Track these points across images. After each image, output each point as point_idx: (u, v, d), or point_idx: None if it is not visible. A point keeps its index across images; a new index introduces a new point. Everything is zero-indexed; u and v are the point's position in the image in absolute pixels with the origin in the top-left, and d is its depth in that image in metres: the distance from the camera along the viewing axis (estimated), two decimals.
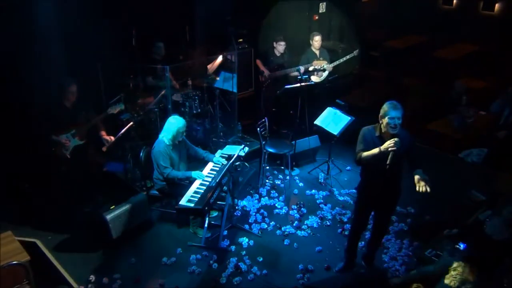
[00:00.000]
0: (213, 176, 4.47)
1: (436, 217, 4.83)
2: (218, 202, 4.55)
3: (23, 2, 4.84)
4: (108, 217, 4.33)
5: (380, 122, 3.54)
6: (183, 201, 4.14)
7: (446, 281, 3.06)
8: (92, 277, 4.03)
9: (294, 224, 4.84)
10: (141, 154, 4.70)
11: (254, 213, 5.01)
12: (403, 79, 8.16)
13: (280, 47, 6.30)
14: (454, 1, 8.60)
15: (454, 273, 3.06)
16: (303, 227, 4.81)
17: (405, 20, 9.07)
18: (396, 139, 3.32)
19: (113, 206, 4.43)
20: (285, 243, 4.58)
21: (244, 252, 4.42)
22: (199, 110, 6.03)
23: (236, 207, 5.04)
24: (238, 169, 4.44)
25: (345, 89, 7.49)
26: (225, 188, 4.55)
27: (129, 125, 5.00)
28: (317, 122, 5.51)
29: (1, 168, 4.90)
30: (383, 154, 3.38)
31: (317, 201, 5.26)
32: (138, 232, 4.61)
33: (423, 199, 5.06)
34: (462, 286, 3.01)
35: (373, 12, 9.01)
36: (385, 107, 3.48)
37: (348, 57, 6.32)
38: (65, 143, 4.68)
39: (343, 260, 4.23)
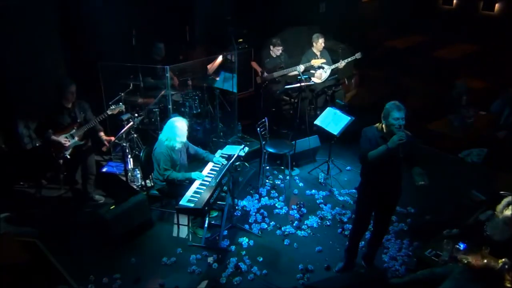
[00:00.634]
0: (213, 176, 4.46)
1: (436, 217, 4.83)
2: (218, 202, 4.55)
3: (23, 1, 4.85)
4: (108, 217, 4.33)
5: (383, 122, 3.55)
6: (183, 201, 4.14)
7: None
8: (92, 277, 4.03)
9: (294, 224, 4.84)
10: (141, 154, 4.70)
11: (254, 213, 5.01)
12: (403, 79, 8.16)
13: (277, 51, 6.30)
14: (454, 1, 8.59)
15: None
16: (303, 227, 4.81)
17: (405, 20, 9.07)
18: (401, 133, 3.37)
19: (113, 206, 4.43)
20: (285, 243, 4.58)
21: (244, 252, 4.42)
22: (199, 110, 6.03)
23: (236, 207, 5.04)
24: (238, 169, 4.44)
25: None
26: (225, 188, 4.55)
27: (129, 125, 5.00)
28: (317, 122, 5.51)
29: (1, 168, 4.90)
30: (390, 152, 3.42)
31: (317, 201, 5.26)
32: (138, 232, 4.61)
33: (423, 199, 5.12)
34: None
35: (373, 12, 9.01)
36: (389, 108, 3.49)
37: (350, 59, 6.33)
38: (65, 143, 4.68)
39: (343, 260, 4.23)
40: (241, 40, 6.81)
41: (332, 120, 5.40)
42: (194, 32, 6.79)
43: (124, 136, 5.06)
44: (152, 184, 4.77)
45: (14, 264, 3.56)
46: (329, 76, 6.60)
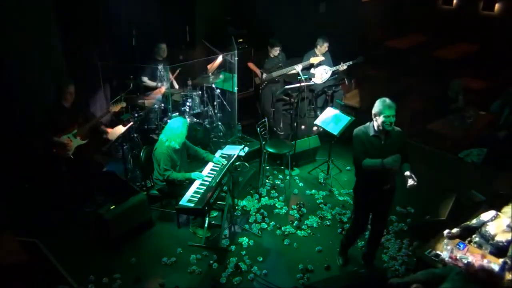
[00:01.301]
0: (213, 176, 4.47)
1: (436, 217, 4.82)
2: (218, 202, 4.55)
3: (23, 1, 4.84)
4: (108, 217, 4.33)
5: (374, 119, 3.59)
6: (183, 201, 4.14)
7: None
8: (92, 277, 4.03)
9: (294, 224, 4.84)
10: (141, 154, 4.70)
11: (254, 213, 5.01)
12: (403, 79, 8.16)
13: (275, 51, 6.29)
14: (454, 1, 8.60)
15: None
16: (303, 227, 4.81)
17: (405, 20, 9.07)
18: (411, 182, 3.56)
19: (113, 206, 4.43)
20: (285, 243, 4.58)
21: (244, 252, 4.42)
22: (199, 110, 6.03)
23: (236, 207, 5.04)
24: (238, 169, 4.44)
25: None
26: (225, 188, 4.55)
27: (129, 125, 5.00)
28: (317, 122, 5.51)
29: (1, 168, 4.90)
30: (384, 167, 3.50)
31: (317, 201, 5.26)
32: (138, 232, 4.61)
33: (423, 199, 5.12)
34: None
35: (373, 12, 9.01)
36: (380, 105, 3.53)
37: (351, 62, 6.33)
38: (68, 143, 4.68)
39: (341, 254, 4.29)
40: (241, 40, 6.81)
41: (332, 120, 5.41)
42: (194, 32, 6.79)
43: (124, 136, 5.06)
44: (152, 184, 4.77)
45: (14, 264, 3.56)
46: (329, 77, 6.60)
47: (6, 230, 4.09)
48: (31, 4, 4.89)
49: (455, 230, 3.87)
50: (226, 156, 4.76)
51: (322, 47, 6.42)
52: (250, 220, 4.89)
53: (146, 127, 5.75)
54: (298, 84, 5.68)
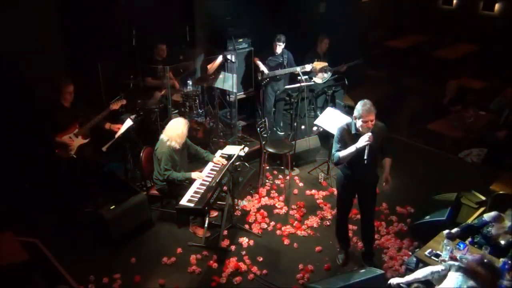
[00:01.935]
0: (213, 176, 4.46)
1: (436, 217, 4.82)
2: (218, 202, 4.55)
3: (22, 1, 4.84)
4: (108, 217, 4.33)
5: (354, 121, 3.70)
6: (183, 201, 4.14)
7: None
8: (92, 277, 4.03)
9: (294, 224, 4.84)
10: (141, 154, 4.70)
11: (254, 213, 5.01)
12: (403, 79, 8.16)
13: (278, 47, 6.30)
14: (454, 1, 8.59)
15: None
16: (303, 227, 4.81)
17: (405, 20, 9.07)
18: (369, 134, 3.56)
19: (113, 206, 4.43)
20: (285, 243, 4.58)
21: (244, 252, 4.42)
22: (199, 110, 6.03)
23: (236, 207, 5.04)
24: (238, 169, 4.44)
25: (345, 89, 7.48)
26: (225, 188, 4.55)
27: (129, 125, 5.00)
28: (317, 122, 5.51)
29: (2, 169, 4.90)
30: (359, 151, 3.61)
31: (317, 201, 5.26)
32: (138, 232, 4.61)
33: (423, 199, 5.12)
34: None
35: (373, 12, 9.01)
36: (359, 109, 3.64)
37: (351, 63, 6.33)
38: (70, 143, 4.69)
39: (340, 251, 4.32)
40: (241, 40, 6.81)
41: (332, 120, 5.40)
42: (194, 32, 6.78)
43: (124, 136, 5.05)
44: (152, 184, 4.77)
45: (14, 264, 3.56)
46: (330, 77, 6.60)
47: (6, 230, 4.10)
48: (32, 4, 4.90)
49: (455, 230, 3.87)
50: (226, 156, 4.76)
51: (323, 44, 6.43)
52: (250, 220, 4.89)
53: (146, 127, 5.75)
54: (298, 84, 5.68)
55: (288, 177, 5.63)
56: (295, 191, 5.47)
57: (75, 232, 4.56)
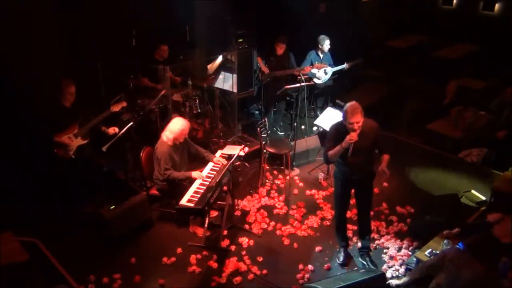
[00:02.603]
0: (213, 176, 4.46)
1: (436, 217, 4.82)
2: (218, 202, 4.55)
3: (22, 1, 4.84)
4: (108, 217, 4.33)
5: (344, 121, 3.78)
6: (183, 201, 4.14)
7: None
8: (92, 277, 4.03)
9: (294, 224, 4.84)
10: (141, 154, 4.70)
11: (254, 213, 5.01)
12: (403, 79, 8.16)
13: (280, 49, 6.30)
14: (454, 1, 8.60)
15: None
16: (303, 227, 4.81)
17: (405, 20, 9.08)
18: (352, 134, 3.65)
19: (113, 206, 4.43)
20: (285, 243, 4.58)
21: (244, 252, 4.42)
22: (199, 110, 6.03)
23: (236, 207, 5.04)
24: (238, 169, 4.44)
25: (345, 89, 7.48)
26: (225, 188, 4.55)
27: (129, 125, 5.00)
28: (317, 122, 5.52)
29: (2, 169, 4.90)
30: (346, 148, 3.73)
31: (317, 201, 5.26)
32: (138, 232, 4.61)
33: (423, 199, 5.12)
34: None
35: (373, 12, 9.01)
36: (345, 111, 3.71)
37: (352, 63, 6.34)
38: (69, 143, 4.69)
39: (340, 250, 4.32)
40: (241, 40, 6.81)
41: (332, 120, 5.40)
42: (194, 32, 6.78)
43: (124, 136, 5.05)
44: (152, 184, 4.77)
45: (14, 264, 3.56)
46: (329, 77, 6.60)
47: (6, 230, 4.10)
48: (33, 4, 4.90)
49: (455, 230, 3.87)
50: (226, 156, 4.76)
51: (324, 45, 6.44)
52: (250, 220, 4.89)
53: (146, 127, 5.76)
54: (298, 84, 5.68)
55: (288, 177, 5.63)
56: (295, 191, 5.47)
57: (75, 232, 4.56)
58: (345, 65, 6.37)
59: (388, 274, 4.09)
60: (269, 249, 4.48)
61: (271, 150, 5.32)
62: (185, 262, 4.27)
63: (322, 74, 6.50)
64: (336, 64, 6.52)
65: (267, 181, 5.64)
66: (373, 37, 8.93)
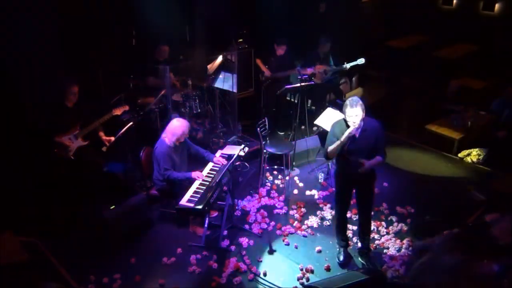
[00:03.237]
0: (213, 176, 4.46)
1: (436, 217, 4.83)
2: (218, 202, 4.55)
3: (23, 1, 4.84)
4: (108, 217, 4.33)
5: (344, 116, 3.81)
6: (183, 201, 4.14)
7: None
8: (92, 277, 4.03)
9: (294, 224, 4.84)
10: (141, 154, 4.70)
11: (254, 213, 5.01)
12: (403, 79, 8.17)
13: (281, 50, 6.30)
14: (454, 1, 8.61)
15: None
16: (303, 227, 4.81)
17: (405, 20, 9.08)
18: (352, 128, 3.68)
19: (113, 206, 4.43)
20: (285, 243, 4.58)
21: (244, 252, 4.42)
22: (199, 110, 6.03)
23: (236, 207, 5.04)
24: (238, 169, 4.44)
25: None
26: (225, 188, 4.55)
27: (129, 125, 5.01)
28: (317, 122, 5.51)
29: (2, 169, 4.90)
30: (342, 145, 3.76)
31: (317, 201, 5.26)
32: (138, 232, 4.61)
33: (423, 199, 5.12)
34: None
35: (373, 12, 9.02)
36: (345, 104, 3.75)
37: (352, 64, 6.34)
38: (69, 144, 4.68)
39: (340, 250, 4.31)
40: (241, 40, 6.81)
41: (332, 120, 5.40)
42: (194, 32, 6.79)
43: (124, 136, 5.06)
44: (152, 184, 4.77)
45: (14, 264, 3.56)
46: (329, 77, 6.60)
47: (7, 230, 4.10)
48: (33, 4, 4.90)
49: (455, 230, 3.87)
50: (226, 156, 4.76)
51: (325, 47, 6.45)
52: (250, 220, 4.89)
53: (146, 127, 5.76)
54: (298, 84, 5.68)
55: (288, 177, 5.63)
56: (295, 191, 5.47)
57: (75, 232, 4.56)
58: (347, 65, 6.36)
59: (388, 274, 4.09)
60: (269, 249, 4.48)
61: (271, 150, 5.32)
62: (185, 262, 4.27)
63: (322, 73, 6.49)
64: (336, 64, 6.52)
65: (267, 181, 5.64)
66: (373, 37, 8.93)
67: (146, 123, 5.77)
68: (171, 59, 5.97)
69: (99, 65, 5.52)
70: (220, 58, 6.04)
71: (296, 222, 4.87)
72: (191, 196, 4.19)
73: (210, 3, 6.64)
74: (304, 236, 4.68)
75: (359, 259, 4.30)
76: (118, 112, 4.90)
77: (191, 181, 4.45)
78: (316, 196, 5.35)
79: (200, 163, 4.90)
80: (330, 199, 5.31)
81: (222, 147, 5.11)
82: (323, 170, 5.79)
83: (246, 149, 4.73)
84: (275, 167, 5.86)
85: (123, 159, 5.35)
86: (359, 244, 4.40)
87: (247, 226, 4.80)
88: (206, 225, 4.48)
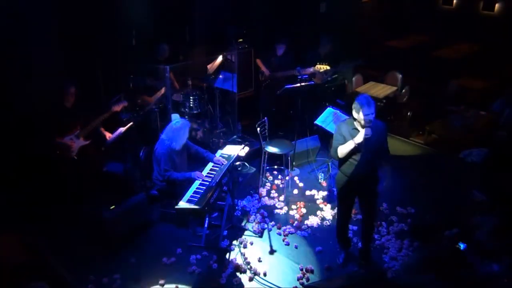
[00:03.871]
0: (213, 176, 4.46)
1: (436, 217, 4.83)
2: (218, 202, 4.55)
3: (22, 2, 4.84)
4: (108, 217, 4.33)
5: (355, 116, 3.70)
6: (183, 201, 4.13)
7: None
8: (92, 277, 4.03)
9: (294, 224, 4.84)
10: (141, 154, 4.69)
11: (254, 213, 5.01)
12: (403, 79, 8.15)
13: (281, 50, 6.30)
14: (454, 1, 8.60)
15: None
16: (303, 227, 4.81)
17: (405, 20, 9.08)
18: (368, 129, 3.56)
19: (113, 206, 4.43)
20: (285, 243, 4.58)
21: (244, 252, 4.42)
22: (199, 110, 6.03)
23: (236, 207, 5.04)
24: (238, 169, 4.44)
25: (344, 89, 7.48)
26: (225, 188, 4.55)
27: (129, 125, 5.00)
28: (317, 122, 5.51)
29: (2, 169, 4.90)
30: (358, 146, 3.64)
31: (317, 201, 5.26)
32: (138, 232, 4.61)
33: (423, 199, 5.12)
34: None
35: (373, 12, 9.01)
36: (359, 103, 3.62)
37: (351, 64, 6.34)
38: (71, 144, 4.69)
39: (341, 251, 4.31)
40: (241, 40, 6.81)
41: (332, 120, 5.40)
42: (194, 32, 6.78)
43: (124, 136, 5.06)
44: (152, 184, 4.77)
45: (14, 264, 3.56)
46: (329, 77, 6.60)
47: (7, 230, 4.09)
48: (33, 5, 4.90)
49: (455, 230, 3.88)
50: (226, 156, 4.76)
51: (326, 47, 6.45)
52: (250, 220, 4.89)
53: (146, 127, 5.76)
54: (298, 84, 5.68)
55: (288, 177, 5.63)
56: (295, 191, 5.47)
57: (75, 232, 4.56)
58: (344, 67, 6.37)
59: (388, 274, 4.09)
60: (269, 249, 4.48)
61: (271, 150, 5.32)
62: (185, 262, 4.27)
63: (323, 74, 6.49)
64: (336, 64, 6.51)
65: (267, 181, 5.64)
66: (373, 37, 8.93)
67: (146, 123, 5.77)
68: (171, 59, 5.97)
69: (99, 65, 5.50)
70: (220, 58, 6.04)
71: (296, 222, 4.87)
72: (191, 196, 4.19)
73: (210, 3, 6.63)
74: (304, 236, 4.69)
75: (359, 259, 4.30)
76: (117, 108, 4.89)
77: (191, 181, 4.45)
78: (316, 196, 5.35)
79: (200, 163, 4.90)
80: (330, 199, 5.31)
81: (222, 147, 5.11)
82: (323, 170, 5.80)
83: (246, 149, 4.73)
84: (275, 167, 5.87)
85: (123, 159, 5.35)
86: (360, 244, 4.40)
87: (247, 226, 4.80)
88: (206, 225, 4.48)
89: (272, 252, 4.44)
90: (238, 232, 4.72)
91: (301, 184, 5.63)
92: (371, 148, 3.70)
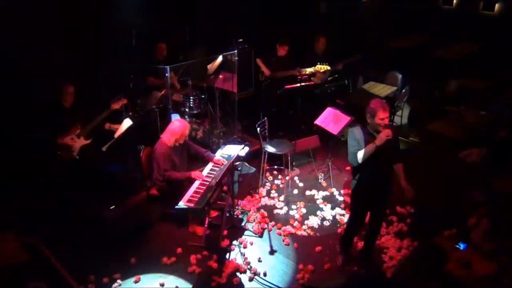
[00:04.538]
0: (213, 176, 4.46)
1: (436, 217, 4.83)
2: (218, 202, 4.54)
3: (22, 2, 4.84)
4: (108, 217, 4.33)
5: (369, 120, 3.65)
6: (183, 201, 4.13)
7: None
8: (92, 277, 4.03)
9: (294, 224, 4.84)
10: (141, 154, 4.70)
11: (254, 213, 5.01)
12: (403, 79, 8.14)
13: (283, 50, 6.30)
14: (454, 1, 8.59)
15: None
16: (303, 227, 4.81)
17: (405, 20, 9.07)
18: (387, 130, 3.53)
19: (113, 206, 4.43)
20: (285, 243, 4.58)
21: (244, 252, 4.42)
22: (199, 110, 6.03)
23: (236, 207, 5.04)
24: (238, 169, 4.44)
25: (344, 89, 7.48)
26: (225, 188, 4.55)
27: (129, 125, 5.00)
28: (317, 122, 5.51)
29: (2, 169, 4.90)
30: (378, 149, 3.55)
31: (317, 201, 5.26)
32: (138, 232, 4.61)
33: (423, 199, 5.11)
34: None
35: (373, 12, 9.00)
36: (375, 107, 3.57)
37: (348, 61, 6.33)
38: (72, 144, 4.68)
39: (341, 253, 4.30)
40: (241, 40, 6.81)
41: (332, 120, 5.41)
42: (194, 32, 6.79)
43: (124, 136, 5.05)
44: (152, 184, 4.77)
45: (14, 264, 3.56)
46: (329, 76, 6.60)
47: (7, 230, 4.09)
48: (33, 4, 4.90)
49: (455, 231, 3.88)
50: (226, 156, 4.76)
51: (319, 43, 6.44)
52: (250, 220, 4.89)
53: (146, 127, 5.76)
54: (298, 84, 5.68)
55: (288, 177, 5.64)
56: (295, 191, 5.48)
57: (75, 232, 4.56)
58: (340, 64, 6.36)
59: (388, 274, 4.09)
60: (269, 249, 4.48)
61: (271, 150, 5.32)
62: (185, 262, 4.27)
63: (322, 74, 6.49)
64: (333, 63, 6.50)
65: (267, 181, 5.64)
66: (373, 37, 8.93)
67: (146, 123, 5.77)
68: (170, 59, 5.97)
69: (99, 65, 5.50)
70: (220, 58, 6.04)
71: (296, 222, 4.88)
72: (191, 196, 4.19)
73: (210, 3, 6.64)
74: (304, 236, 4.68)
75: (359, 259, 4.30)
76: (116, 106, 4.89)
77: (191, 181, 4.45)
78: (316, 196, 5.35)
79: (200, 163, 4.90)
80: (330, 199, 5.31)
81: (222, 147, 5.11)
82: (323, 170, 5.80)
83: (246, 149, 4.73)
84: (275, 167, 5.86)
85: (123, 159, 5.34)
86: (359, 244, 4.40)
87: (247, 226, 4.80)
88: (206, 225, 4.48)
89: (272, 252, 4.45)
90: (238, 232, 4.72)
91: (301, 184, 5.63)
92: (389, 148, 3.63)
